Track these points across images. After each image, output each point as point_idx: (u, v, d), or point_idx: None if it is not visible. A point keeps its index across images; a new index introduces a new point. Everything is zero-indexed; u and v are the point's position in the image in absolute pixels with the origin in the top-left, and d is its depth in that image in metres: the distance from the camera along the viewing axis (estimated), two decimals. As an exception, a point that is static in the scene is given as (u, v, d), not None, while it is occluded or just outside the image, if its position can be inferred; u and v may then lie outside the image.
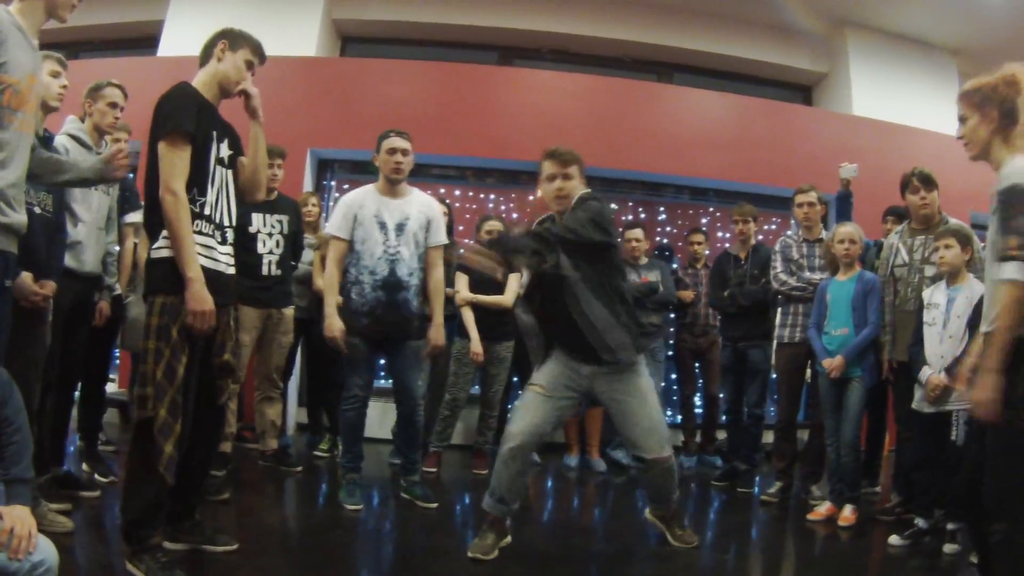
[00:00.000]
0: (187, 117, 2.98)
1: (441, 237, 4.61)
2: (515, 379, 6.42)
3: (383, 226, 4.45)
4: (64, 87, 3.68)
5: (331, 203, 7.44)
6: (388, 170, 4.50)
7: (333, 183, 7.83)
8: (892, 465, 5.33)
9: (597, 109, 7.79)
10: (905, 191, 4.84)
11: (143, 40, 8.47)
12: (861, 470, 4.90)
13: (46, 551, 2.18)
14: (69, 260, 3.84)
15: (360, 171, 7.83)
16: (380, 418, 6.51)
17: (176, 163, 2.94)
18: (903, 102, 8.65)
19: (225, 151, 3.21)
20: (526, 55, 9.24)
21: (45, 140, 3.58)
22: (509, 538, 3.81)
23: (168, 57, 7.65)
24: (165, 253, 2.96)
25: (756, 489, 5.70)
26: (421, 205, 4.58)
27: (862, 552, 4.35)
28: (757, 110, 8.33)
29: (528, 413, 3.68)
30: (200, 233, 3.04)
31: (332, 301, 4.44)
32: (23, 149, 2.59)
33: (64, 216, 3.74)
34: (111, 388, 5.30)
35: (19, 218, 2.56)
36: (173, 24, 8.12)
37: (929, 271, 4.58)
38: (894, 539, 4.24)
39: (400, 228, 4.46)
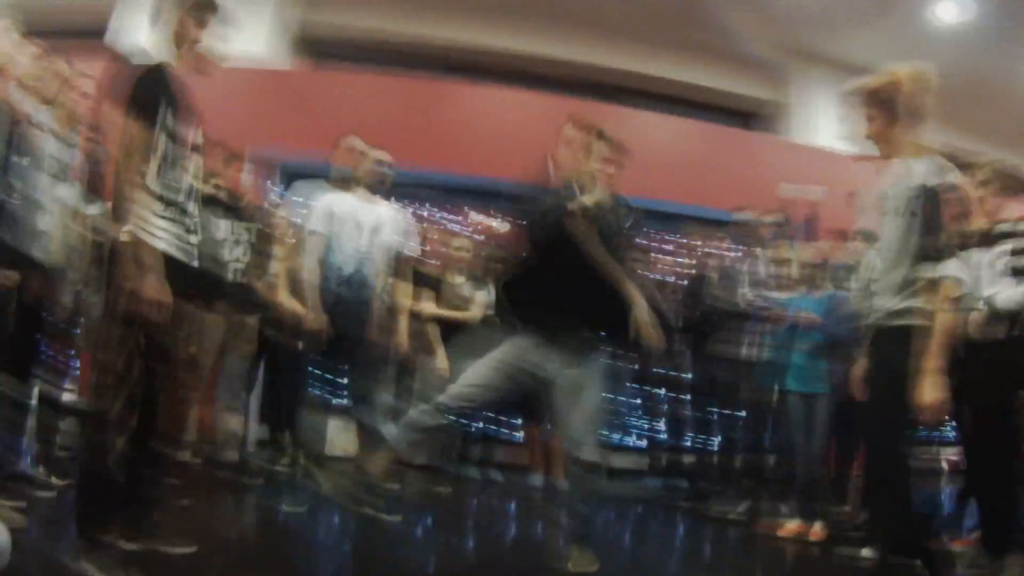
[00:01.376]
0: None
1: (411, 246, 4.74)
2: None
3: (358, 225, 4.48)
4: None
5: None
6: (373, 177, 4.62)
7: (299, 198, 7.73)
8: (860, 487, 5.34)
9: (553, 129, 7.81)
10: None
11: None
12: (829, 485, 4.89)
13: (-1, 532, 2.09)
14: (35, 250, 3.71)
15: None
16: (341, 435, 6.40)
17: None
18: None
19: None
20: (487, 73, 9.30)
21: None
22: None
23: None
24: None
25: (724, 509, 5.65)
26: (394, 213, 4.69)
27: (834, 566, 4.31)
28: (702, 134, 8.62)
29: (473, 374, 3.50)
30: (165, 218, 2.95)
31: (314, 295, 4.41)
32: None
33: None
34: (70, 397, 5.17)
35: None
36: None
37: None
38: (866, 551, 4.19)
39: (375, 231, 4.51)
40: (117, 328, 2.84)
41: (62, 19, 8.30)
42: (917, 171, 2.92)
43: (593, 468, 3.47)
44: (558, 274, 3.40)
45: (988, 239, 3.66)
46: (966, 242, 3.45)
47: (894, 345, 2.90)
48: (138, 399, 2.83)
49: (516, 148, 7.21)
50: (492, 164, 7.25)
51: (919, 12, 7.89)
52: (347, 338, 4.44)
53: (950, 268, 2.85)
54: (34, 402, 4.36)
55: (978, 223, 3.72)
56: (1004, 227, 3.68)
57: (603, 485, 3.62)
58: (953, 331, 2.89)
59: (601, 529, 4.85)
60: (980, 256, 3.65)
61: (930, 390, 2.73)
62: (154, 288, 2.80)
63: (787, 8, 8.28)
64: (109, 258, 2.99)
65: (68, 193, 4.04)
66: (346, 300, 4.39)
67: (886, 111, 3.04)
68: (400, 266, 4.64)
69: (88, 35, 8.05)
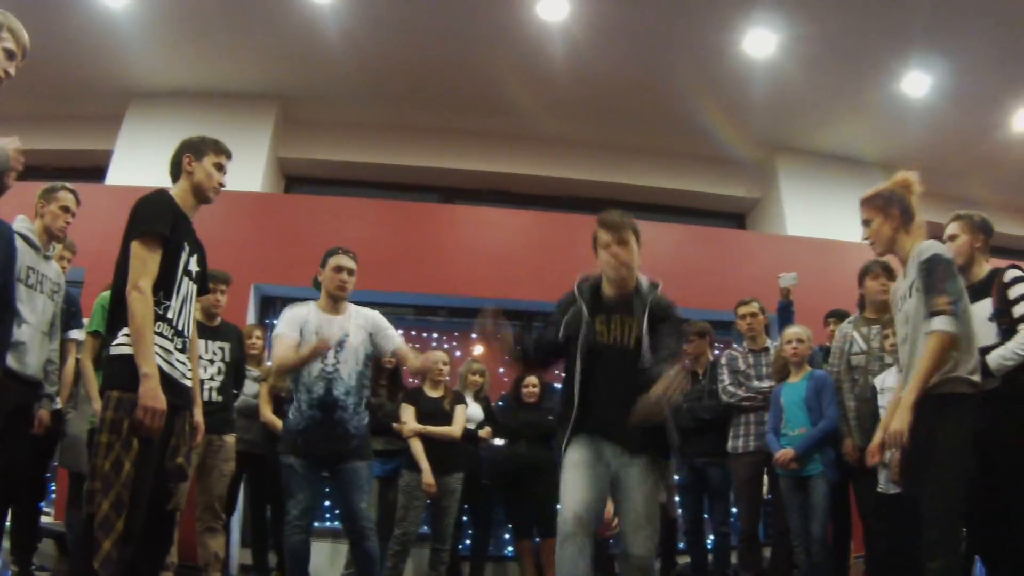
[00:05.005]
0: (163, 221, 3.05)
1: (396, 340, 4.50)
2: (466, 507, 6.22)
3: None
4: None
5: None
6: (333, 287, 4.40)
7: (276, 321, 7.72)
8: (861, 571, 5.20)
9: (538, 244, 7.89)
10: (865, 277, 4.98)
11: (92, 170, 8.43)
12: (833, 567, 4.78)
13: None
14: (12, 361, 3.67)
15: (304, 309, 7.82)
16: (330, 560, 6.22)
17: (147, 263, 2.99)
18: (836, 218, 8.75)
19: (194, 265, 3.26)
20: (467, 195, 9.46)
21: None
22: None
23: (117, 186, 7.64)
24: (125, 350, 2.93)
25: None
26: (360, 318, 4.45)
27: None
28: (693, 238, 8.60)
29: (578, 489, 3.28)
30: (161, 335, 3.04)
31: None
32: None
33: (11, 294, 3.54)
34: (47, 520, 5.01)
35: None
36: (121, 155, 8.19)
37: (889, 359, 4.60)
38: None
39: (340, 345, 4.30)
40: (106, 433, 2.84)
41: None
42: (920, 249, 3.27)
43: (642, 564, 3.30)
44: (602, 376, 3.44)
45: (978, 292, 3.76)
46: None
47: (937, 413, 3.10)
48: (126, 503, 2.79)
49: (504, 265, 7.43)
50: (477, 283, 7.39)
51: (889, 90, 8.06)
52: (326, 460, 4.31)
53: (936, 323, 3.09)
54: (8, 522, 4.24)
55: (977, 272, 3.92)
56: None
57: None
58: (929, 376, 3.11)
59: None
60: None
61: (896, 420, 3.08)
62: (151, 396, 2.85)
63: (765, 106, 8.52)
64: (105, 366, 3.05)
65: (46, 306, 4.04)
66: (320, 423, 4.24)
67: (880, 215, 3.40)
68: (403, 353, 4.46)
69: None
